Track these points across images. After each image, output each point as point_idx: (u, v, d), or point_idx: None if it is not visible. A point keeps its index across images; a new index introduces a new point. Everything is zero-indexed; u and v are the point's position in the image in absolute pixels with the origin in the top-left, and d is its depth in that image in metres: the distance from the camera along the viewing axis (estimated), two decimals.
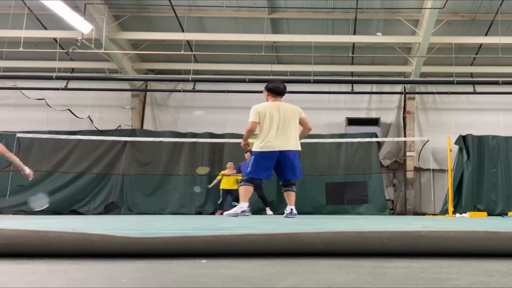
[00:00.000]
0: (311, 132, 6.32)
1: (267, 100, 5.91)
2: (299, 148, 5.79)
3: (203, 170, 11.97)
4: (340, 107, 13.96)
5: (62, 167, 12.57)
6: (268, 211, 10.95)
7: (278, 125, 5.64)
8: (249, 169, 5.75)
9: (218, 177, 11.77)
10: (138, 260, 0.97)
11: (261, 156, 5.65)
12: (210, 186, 11.89)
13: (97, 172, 12.65)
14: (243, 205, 5.72)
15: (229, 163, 11.71)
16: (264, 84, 6.04)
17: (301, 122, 5.85)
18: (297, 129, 5.82)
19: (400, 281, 0.75)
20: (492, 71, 13.48)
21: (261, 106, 5.78)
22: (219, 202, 11.66)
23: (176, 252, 1.01)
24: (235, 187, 11.05)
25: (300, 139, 5.92)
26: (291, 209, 5.70)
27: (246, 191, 5.77)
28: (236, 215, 5.61)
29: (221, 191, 11.62)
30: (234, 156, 11.92)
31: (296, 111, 5.81)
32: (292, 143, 5.68)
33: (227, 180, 11.57)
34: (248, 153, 11.32)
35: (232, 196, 11.17)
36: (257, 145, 5.72)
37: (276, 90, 5.83)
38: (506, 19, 11.50)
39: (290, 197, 5.79)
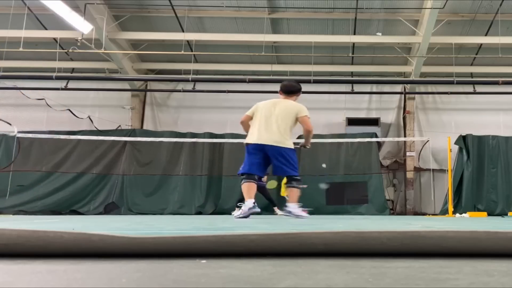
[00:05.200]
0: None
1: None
2: (286, 146, 5.64)
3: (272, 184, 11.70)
4: (340, 107, 13.96)
5: (62, 167, 12.56)
6: (277, 210, 10.75)
7: (266, 120, 5.62)
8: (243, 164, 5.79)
9: None
10: (138, 260, 0.97)
11: (248, 149, 5.69)
12: None
13: (97, 172, 12.64)
14: (248, 202, 5.50)
15: None
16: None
17: (300, 122, 5.78)
18: (289, 127, 5.72)
19: (400, 281, 0.75)
20: (492, 71, 13.47)
21: (262, 102, 5.88)
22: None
23: (176, 252, 1.01)
24: None
25: (306, 141, 5.95)
26: (286, 206, 5.62)
27: (248, 188, 5.62)
28: (245, 216, 5.39)
29: None
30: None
31: (293, 109, 5.74)
32: (276, 139, 5.57)
33: None
34: None
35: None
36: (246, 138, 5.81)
37: (282, 88, 5.99)
38: (506, 19, 11.49)
39: (289, 193, 5.70)
